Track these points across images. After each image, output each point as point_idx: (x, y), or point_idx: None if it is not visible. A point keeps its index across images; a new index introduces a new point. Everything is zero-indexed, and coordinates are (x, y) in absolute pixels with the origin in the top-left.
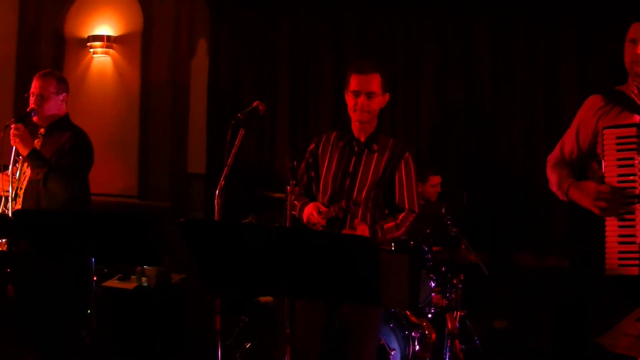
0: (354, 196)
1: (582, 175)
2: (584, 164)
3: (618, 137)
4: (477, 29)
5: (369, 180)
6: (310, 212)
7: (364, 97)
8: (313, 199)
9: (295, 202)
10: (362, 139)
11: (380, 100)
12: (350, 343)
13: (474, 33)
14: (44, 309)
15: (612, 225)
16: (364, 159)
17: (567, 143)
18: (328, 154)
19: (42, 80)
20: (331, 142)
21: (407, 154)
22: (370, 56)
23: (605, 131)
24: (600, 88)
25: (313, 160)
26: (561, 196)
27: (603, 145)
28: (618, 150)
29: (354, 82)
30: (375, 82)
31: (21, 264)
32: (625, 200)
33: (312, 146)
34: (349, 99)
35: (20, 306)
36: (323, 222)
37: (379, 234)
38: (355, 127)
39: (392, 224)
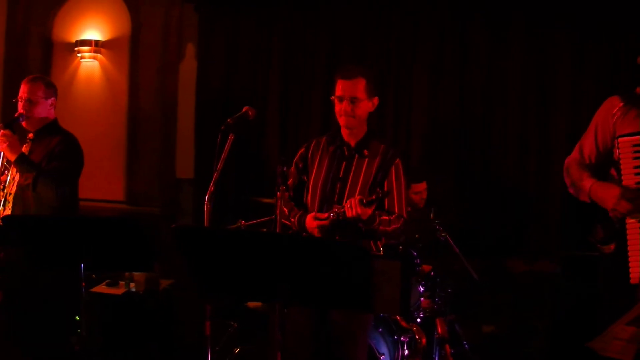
0: (345, 201)
1: (602, 180)
2: (603, 168)
3: (634, 145)
4: (472, 36)
5: (359, 185)
6: (313, 221)
7: (348, 102)
8: (301, 203)
9: (284, 208)
10: (353, 144)
11: (367, 105)
12: (340, 349)
13: (468, 39)
14: (33, 315)
15: (634, 234)
16: (354, 163)
17: (586, 146)
18: (318, 159)
19: (31, 84)
20: (321, 147)
21: (397, 160)
22: (364, 61)
23: (620, 139)
24: (623, 91)
25: (303, 165)
26: (582, 197)
27: (619, 153)
28: (634, 158)
29: (339, 87)
30: (359, 87)
31: (10, 270)
32: None
33: (302, 150)
34: (335, 104)
35: (9, 312)
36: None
37: (377, 219)
38: (344, 132)
39: (387, 217)
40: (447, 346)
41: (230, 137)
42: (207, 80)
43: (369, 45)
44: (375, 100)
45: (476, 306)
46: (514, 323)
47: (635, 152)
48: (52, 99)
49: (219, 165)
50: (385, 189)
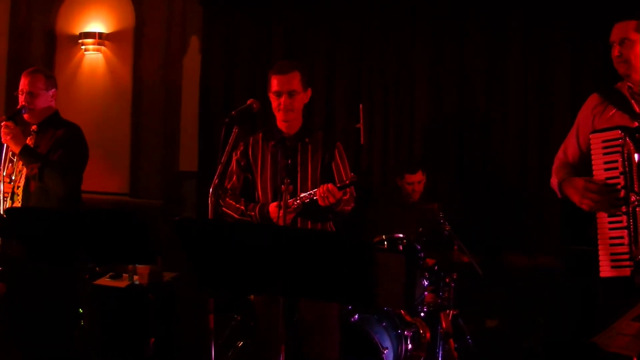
0: (299, 188)
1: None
2: (587, 167)
3: (604, 141)
4: (471, 33)
5: (309, 171)
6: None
7: (286, 96)
8: (250, 199)
9: (238, 205)
10: (292, 134)
11: (302, 97)
12: (311, 337)
13: (468, 38)
14: (35, 308)
15: (603, 228)
16: (299, 152)
17: (570, 145)
18: (260, 154)
19: (30, 77)
20: (260, 143)
21: (338, 143)
22: (363, 60)
23: (592, 135)
24: (603, 88)
25: (245, 162)
26: (559, 194)
27: (590, 149)
28: (604, 154)
29: (274, 83)
30: (295, 80)
31: (12, 265)
32: (614, 203)
33: (241, 148)
34: (272, 100)
35: (11, 305)
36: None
37: (342, 201)
38: (282, 125)
39: (345, 198)
40: (451, 340)
41: (235, 129)
42: (211, 72)
43: (368, 44)
44: (309, 91)
45: (480, 301)
46: (517, 318)
47: (605, 147)
48: (53, 90)
49: (223, 158)
50: (334, 170)
